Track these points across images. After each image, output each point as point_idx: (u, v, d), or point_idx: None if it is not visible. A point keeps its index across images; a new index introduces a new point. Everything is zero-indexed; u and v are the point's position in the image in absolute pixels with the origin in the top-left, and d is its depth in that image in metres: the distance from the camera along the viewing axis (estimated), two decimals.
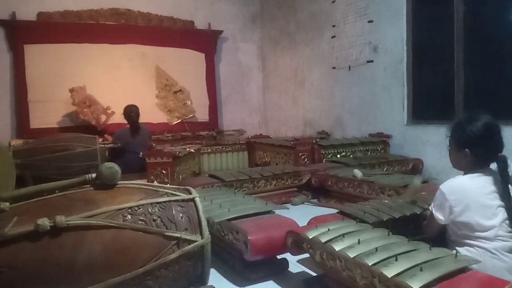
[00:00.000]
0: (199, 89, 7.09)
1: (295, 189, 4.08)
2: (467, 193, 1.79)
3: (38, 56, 5.92)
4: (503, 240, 1.74)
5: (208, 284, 1.52)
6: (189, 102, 6.87)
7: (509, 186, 1.83)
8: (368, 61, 5.43)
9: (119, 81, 6.28)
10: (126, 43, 6.49)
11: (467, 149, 1.86)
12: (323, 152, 4.77)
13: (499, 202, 1.77)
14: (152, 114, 6.27)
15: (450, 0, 4.47)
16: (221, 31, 7.39)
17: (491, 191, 1.79)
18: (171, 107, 6.74)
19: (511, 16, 4.17)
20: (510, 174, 1.83)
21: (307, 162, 4.62)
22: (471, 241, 1.78)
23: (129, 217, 1.36)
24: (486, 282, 1.37)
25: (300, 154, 4.63)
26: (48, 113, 5.88)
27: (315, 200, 4.00)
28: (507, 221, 1.76)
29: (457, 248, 1.81)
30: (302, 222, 2.30)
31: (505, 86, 4.14)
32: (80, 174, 1.55)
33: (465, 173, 1.90)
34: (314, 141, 4.85)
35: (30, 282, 1.25)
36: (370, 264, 1.48)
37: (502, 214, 1.76)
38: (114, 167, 1.47)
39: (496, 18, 4.34)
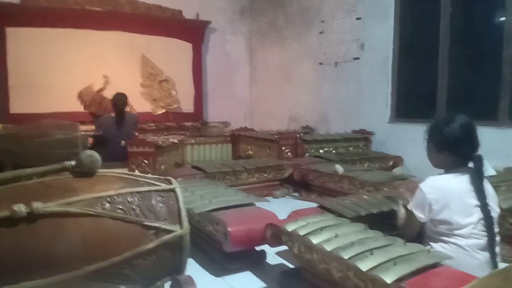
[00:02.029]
0: (185, 79, 7.03)
1: (277, 182, 4.12)
2: (446, 191, 1.83)
3: (21, 40, 5.76)
4: (477, 238, 1.79)
5: (186, 274, 1.53)
6: (174, 92, 6.80)
7: (487, 185, 1.88)
8: (354, 58, 5.47)
9: (104, 68, 6.18)
10: (112, 30, 6.37)
11: (446, 151, 1.90)
12: (307, 147, 4.81)
13: (476, 202, 1.81)
14: (136, 103, 6.20)
15: (438, 1, 4.53)
16: (209, 22, 7.32)
17: (470, 190, 1.83)
18: (156, 96, 6.67)
19: (496, 19, 4.25)
20: (485, 174, 1.88)
21: (290, 156, 4.65)
22: (446, 238, 1.83)
23: (108, 206, 1.35)
24: (457, 277, 1.41)
25: (283, 148, 4.66)
26: (29, 98, 5.75)
27: (296, 194, 4.04)
28: (482, 221, 1.81)
29: (432, 243, 1.86)
30: (282, 215, 2.33)
31: (487, 88, 4.23)
32: (60, 162, 1.53)
33: (446, 172, 1.94)
34: (298, 135, 4.89)
35: (5, 269, 1.24)
36: (346, 258, 1.51)
37: (478, 213, 1.81)
38: (95, 155, 1.46)
39: (481, 20, 4.42)
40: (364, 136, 5.12)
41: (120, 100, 4.82)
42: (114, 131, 4.68)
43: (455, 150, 1.88)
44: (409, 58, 4.97)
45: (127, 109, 5.13)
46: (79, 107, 5.95)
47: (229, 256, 2.21)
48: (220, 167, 3.84)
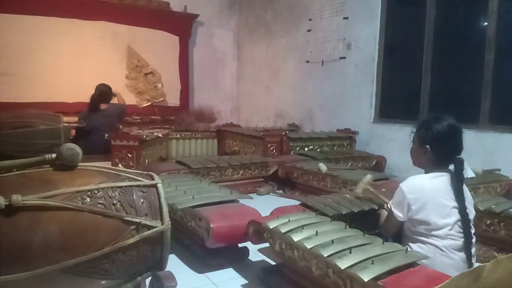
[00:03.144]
0: (171, 72, 6.97)
1: (262, 179, 4.13)
2: (425, 192, 1.87)
3: (3, 26, 5.63)
4: (453, 239, 1.83)
5: (167, 269, 1.53)
6: (160, 85, 6.73)
7: (464, 188, 1.93)
8: (341, 58, 5.51)
9: (88, 59, 6.09)
10: (97, 20, 6.28)
11: (427, 146, 1.94)
12: (292, 145, 4.84)
13: (454, 204, 1.85)
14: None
15: (423, 4, 4.59)
16: (197, 15, 7.27)
17: (448, 192, 1.86)
18: (141, 89, 6.59)
19: (479, 23, 4.34)
20: (465, 176, 1.92)
21: (276, 153, 4.67)
22: (424, 238, 1.87)
23: (88, 200, 1.34)
24: (432, 276, 1.45)
25: (269, 145, 4.68)
26: (11, 87, 5.62)
27: (280, 191, 4.07)
28: (459, 222, 1.85)
29: (410, 244, 1.90)
30: (265, 212, 2.34)
31: (469, 91, 4.32)
32: (42, 153, 1.51)
33: (426, 172, 1.98)
34: (283, 133, 4.91)
35: None
36: (325, 256, 1.53)
37: (455, 214, 1.84)
38: (75, 148, 1.44)
39: (465, 24, 4.50)
40: (348, 135, 5.18)
41: (97, 90, 4.70)
42: (91, 123, 4.59)
43: (436, 147, 1.91)
44: (394, 59, 5.04)
45: (115, 100, 5.02)
46: (62, 98, 5.85)
47: (211, 252, 2.21)
48: (205, 162, 3.83)
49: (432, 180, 1.90)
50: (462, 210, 1.84)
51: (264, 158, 4.29)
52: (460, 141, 1.93)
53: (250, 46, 7.58)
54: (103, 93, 4.73)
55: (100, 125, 4.48)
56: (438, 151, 1.92)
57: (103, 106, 4.70)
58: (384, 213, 2.17)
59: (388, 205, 2.00)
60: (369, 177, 2.45)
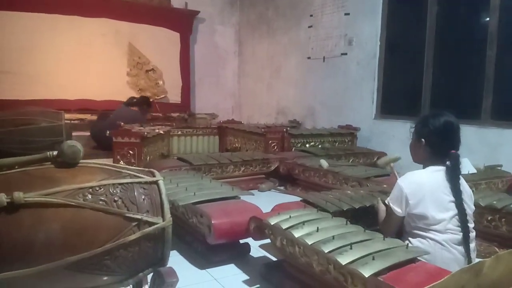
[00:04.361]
0: (173, 69, 6.97)
1: (263, 176, 4.14)
2: (422, 186, 1.88)
3: (5, 24, 5.64)
4: (452, 233, 1.84)
5: (168, 265, 1.54)
6: (161, 82, 6.75)
7: (463, 182, 1.93)
8: (342, 54, 5.50)
9: (89, 56, 6.09)
10: (99, 17, 6.28)
11: (423, 139, 1.96)
12: (293, 141, 4.83)
13: (452, 198, 1.86)
14: (122, 92, 6.13)
15: (424, 0, 4.57)
16: (198, 12, 7.26)
17: (446, 186, 1.87)
18: (142, 86, 6.60)
19: (480, 19, 4.32)
20: (461, 171, 1.93)
21: (277, 150, 4.67)
22: (424, 233, 1.87)
23: (90, 197, 1.34)
24: (432, 272, 1.45)
25: (270, 142, 4.68)
26: (12, 84, 5.64)
27: (282, 188, 4.07)
28: (457, 216, 1.85)
29: (410, 239, 1.90)
30: (267, 208, 2.35)
31: (470, 87, 4.31)
32: (44, 150, 1.51)
33: (424, 167, 1.99)
34: (284, 129, 4.91)
35: None
36: (326, 251, 1.54)
37: (454, 209, 1.85)
38: (77, 145, 1.45)
39: (466, 20, 4.48)
40: (349, 132, 5.17)
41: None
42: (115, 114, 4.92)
43: (431, 141, 1.93)
44: (395, 56, 5.02)
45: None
46: (63, 95, 5.87)
47: (213, 248, 2.22)
48: (206, 159, 3.84)
49: (430, 175, 1.91)
50: (459, 204, 1.85)
51: (266, 155, 4.29)
52: (456, 137, 1.94)
53: (252, 43, 7.56)
54: (141, 100, 5.25)
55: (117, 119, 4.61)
56: (433, 145, 1.94)
57: (133, 108, 5.10)
58: (382, 207, 2.18)
59: (386, 201, 2.01)
60: (397, 156, 2.56)
